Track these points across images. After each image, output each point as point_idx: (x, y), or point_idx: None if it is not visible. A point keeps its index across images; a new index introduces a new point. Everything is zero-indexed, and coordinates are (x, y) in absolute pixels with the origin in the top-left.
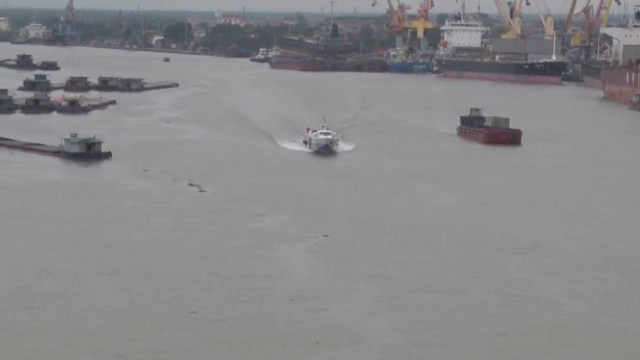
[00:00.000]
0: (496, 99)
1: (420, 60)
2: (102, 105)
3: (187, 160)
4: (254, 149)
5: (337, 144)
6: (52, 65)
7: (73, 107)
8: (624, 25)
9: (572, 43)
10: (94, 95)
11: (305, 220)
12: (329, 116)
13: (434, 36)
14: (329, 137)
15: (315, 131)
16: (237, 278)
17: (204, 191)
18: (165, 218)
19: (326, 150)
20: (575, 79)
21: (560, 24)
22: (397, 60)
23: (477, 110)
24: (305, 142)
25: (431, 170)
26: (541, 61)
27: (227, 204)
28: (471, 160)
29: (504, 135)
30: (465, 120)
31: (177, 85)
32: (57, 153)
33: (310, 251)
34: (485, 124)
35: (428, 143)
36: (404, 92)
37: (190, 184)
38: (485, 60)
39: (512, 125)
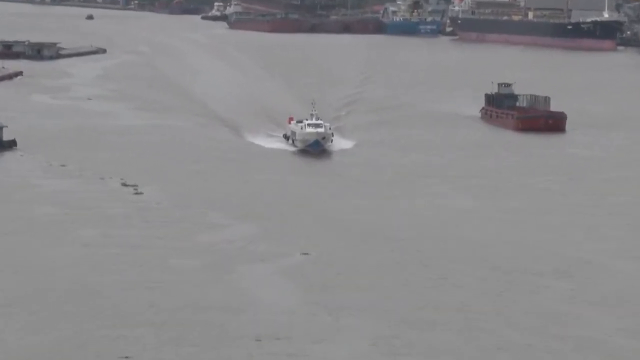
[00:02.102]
0: (531, 71)
1: (429, 19)
2: (4, 78)
3: (119, 152)
4: (208, 139)
5: (332, 140)
6: None
7: None
8: None
9: None
10: None
11: (279, 234)
12: (311, 97)
13: None
14: (321, 130)
15: (301, 122)
16: (186, 311)
17: (141, 193)
18: (91, 229)
19: (316, 148)
20: (634, 43)
21: None
22: (398, 19)
23: (508, 85)
24: (286, 137)
25: (447, 166)
26: (589, 20)
27: (173, 211)
28: (500, 152)
29: (542, 120)
30: (491, 100)
31: (104, 51)
32: None
33: (284, 275)
34: (518, 104)
35: (443, 130)
36: (408, 62)
37: (124, 184)
38: (515, 18)
39: (554, 106)
